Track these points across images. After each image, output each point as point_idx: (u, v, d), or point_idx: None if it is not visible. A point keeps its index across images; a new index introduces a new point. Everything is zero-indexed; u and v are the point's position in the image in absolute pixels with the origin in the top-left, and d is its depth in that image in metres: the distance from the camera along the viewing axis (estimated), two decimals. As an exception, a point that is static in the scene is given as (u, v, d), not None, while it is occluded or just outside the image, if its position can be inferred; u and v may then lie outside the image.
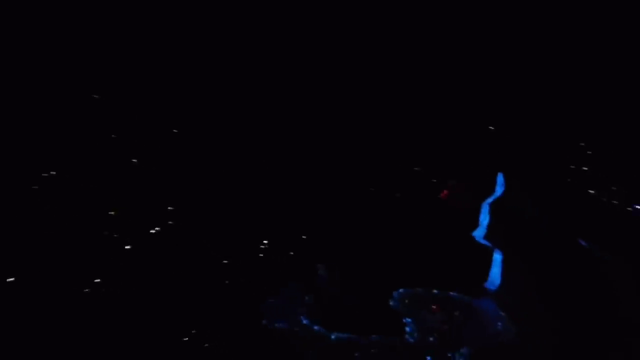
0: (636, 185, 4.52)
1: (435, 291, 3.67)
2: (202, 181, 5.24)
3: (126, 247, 3.75)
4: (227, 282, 3.67)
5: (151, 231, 3.99)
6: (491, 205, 4.43)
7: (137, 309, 3.21)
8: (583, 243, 3.98)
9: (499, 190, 4.65)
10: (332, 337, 2.94)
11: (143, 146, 4.76)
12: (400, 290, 3.70)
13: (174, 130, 5.33)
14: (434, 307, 3.32)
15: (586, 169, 4.89)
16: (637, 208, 4.64)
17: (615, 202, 4.47)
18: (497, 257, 3.80)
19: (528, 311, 3.34)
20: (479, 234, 4.21)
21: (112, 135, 4.82)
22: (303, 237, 4.29)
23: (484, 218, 4.33)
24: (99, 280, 3.34)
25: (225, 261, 3.82)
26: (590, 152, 5.16)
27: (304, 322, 3.15)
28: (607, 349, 2.91)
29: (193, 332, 3.03)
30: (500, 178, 4.78)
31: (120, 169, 4.66)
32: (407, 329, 3.01)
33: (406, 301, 3.56)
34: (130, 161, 4.72)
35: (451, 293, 3.64)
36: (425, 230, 4.56)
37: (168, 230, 4.17)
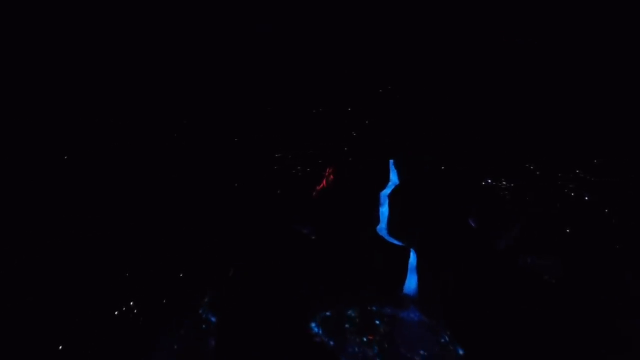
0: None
1: (356, 310, 3.26)
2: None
3: None
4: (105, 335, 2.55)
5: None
6: (389, 196, 4.18)
7: None
8: (472, 223, 4.09)
9: (393, 178, 4.40)
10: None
11: None
12: (322, 314, 3.19)
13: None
14: (370, 337, 2.91)
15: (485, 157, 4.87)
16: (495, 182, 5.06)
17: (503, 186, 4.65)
18: (410, 256, 3.59)
19: (453, 314, 3.24)
20: (382, 230, 3.93)
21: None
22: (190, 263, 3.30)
23: (384, 211, 4.08)
24: None
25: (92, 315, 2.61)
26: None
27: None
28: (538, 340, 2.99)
29: None
30: (391, 165, 4.51)
31: None
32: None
33: (332, 329, 3.07)
34: None
35: (373, 307, 3.30)
36: (320, 231, 4.04)
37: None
